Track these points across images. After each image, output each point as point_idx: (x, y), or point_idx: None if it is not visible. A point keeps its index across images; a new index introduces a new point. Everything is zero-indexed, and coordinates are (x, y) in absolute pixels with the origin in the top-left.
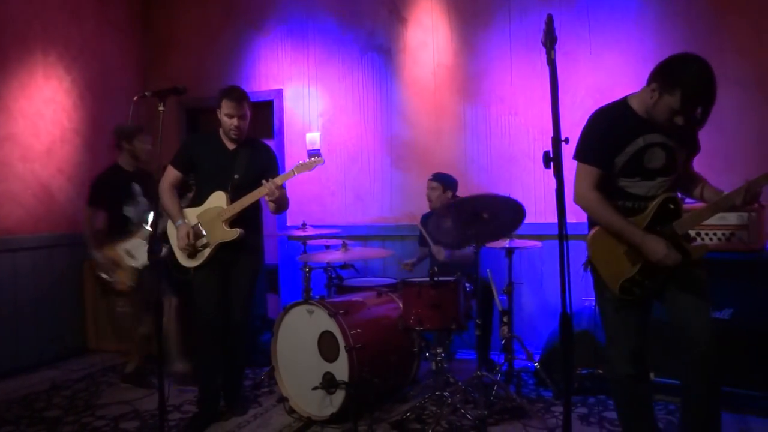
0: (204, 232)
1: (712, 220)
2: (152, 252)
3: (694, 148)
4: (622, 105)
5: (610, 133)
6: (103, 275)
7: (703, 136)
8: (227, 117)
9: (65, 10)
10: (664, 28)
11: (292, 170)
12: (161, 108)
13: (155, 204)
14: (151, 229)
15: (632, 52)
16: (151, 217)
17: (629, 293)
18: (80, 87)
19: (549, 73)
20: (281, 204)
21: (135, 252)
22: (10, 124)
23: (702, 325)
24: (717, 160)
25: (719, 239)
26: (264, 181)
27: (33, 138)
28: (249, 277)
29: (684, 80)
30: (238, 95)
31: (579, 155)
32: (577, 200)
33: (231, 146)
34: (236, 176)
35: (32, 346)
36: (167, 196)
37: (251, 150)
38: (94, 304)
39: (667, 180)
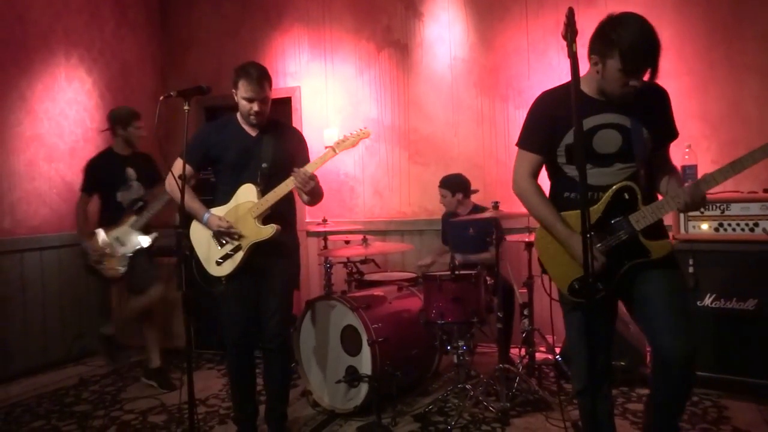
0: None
1: (735, 210)
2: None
3: (667, 132)
4: (567, 84)
5: (550, 116)
6: (93, 264)
7: (726, 125)
8: (246, 101)
9: (85, 13)
10: (682, 17)
11: (331, 149)
12: (186, 107)
13: (149, 188)
14: (136, 218)
15: None
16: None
17: (579, 295)
18: (101, 88)
19: (570, 66)
20: (315, 195)
21: (124, 238)
22: (35, 125)
23: (673, 338)
24: (740, 149)
25: (743, 229)
26: (295, 170)
27: (57, 138)
28: (286, 283)
29: (618, 36)
30: (258, 75)
31: (518, 140)
32: (514, 188)
33: (254, 132)
34: (264, 165)
35: (60, 342)
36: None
37: (277, 134)
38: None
39: (629, 167)
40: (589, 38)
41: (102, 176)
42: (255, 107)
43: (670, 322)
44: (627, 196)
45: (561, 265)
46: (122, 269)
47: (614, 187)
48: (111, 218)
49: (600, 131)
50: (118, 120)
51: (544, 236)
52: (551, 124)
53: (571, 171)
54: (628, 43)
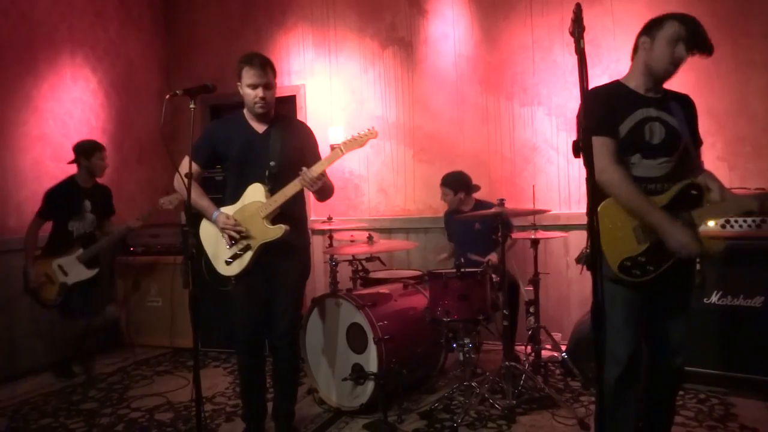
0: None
1: None
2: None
3: (696, 139)
4: (614, 83)
5: (610, 105)
6: (32, 288)
7: (732, 122)
8: (250, 88)
9: (90, 13)
10: (687, 12)
11: (338, 149)
12: (192, 106)
13: (101, 220)
14: (82, 251)
15: None
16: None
17: (628, 273)
18: (106, 87)
19: (578, 63)
20: (324, 193)
21: (68, 268)
22: (41, 125)
23: (683, 336)
24: (746, 146)
25: (749, 226)
26: (303, 169)
27: (63, 137)
28: (296, 283)
29: (670, 15)
30: (260, 61)
31: (592, 130)
32: (599, 176)
33: (261, 128)
34: (272, 163)
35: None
36: (192, 191)
37: (285, 130)
38: (126, 300)
39: (669, 162)
40: (596, 35)
41: (60, 205)
42: (260, 93)
43: (675, 350)
44: (694, 192)
45: (616, 242)
46: (59, 298)
47: (684, 182)
48: (59, 245)
49: (649, 123)
50: (82, 151)
51: (608, 211)
52: (613, 110)
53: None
54: (680, 17)
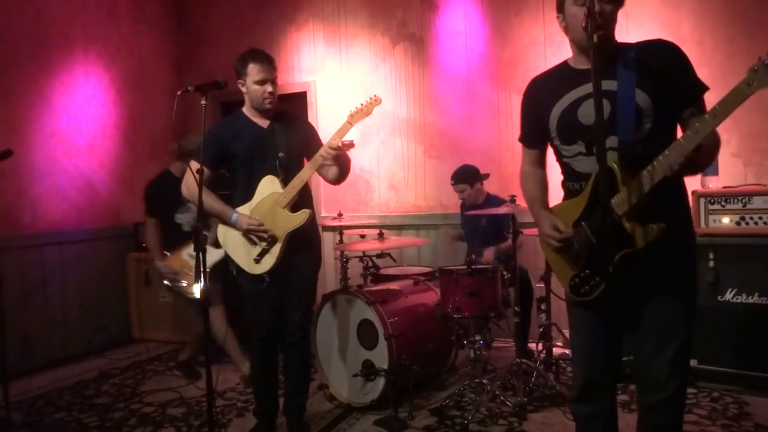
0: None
1: (758, 203)
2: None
3: (682, 87)
4: (556, 66)
5: (533, 104)
6: (168, 284)
7: (747, 118)
8: (258, 84)
9: (103, 10)
10: (702, 8)
11: (346, 122)
12: (203, 102)
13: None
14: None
15: (670, 33)
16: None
17: (576, 292)
18: (118, 84)
19: (592, 57)
20: (344, 167)
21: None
22: (54, 121)
23: (665, 364)
24: (762, 142)
25: (765, 223)
26: (321, 148)
27: (76, 133)
28: (309, 275)
29: None
30: (266, 56)
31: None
32: None
33: (264, 124)
34: (281, 155)
35: (80, 336)
36: (205, 196)
37: (287, 124)
38: (138, 295)
39: (622, 143)
40: None
41: (164, 199)
42: (269, 88)
43: (652, 382)
44: (609, 179)
45: (562, 262)
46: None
47: (595, 172)
48: (172, 241)
49: (585, 102)
50: (189, 155)
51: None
52: (536, 111)
53: (567, 153)
54: None
